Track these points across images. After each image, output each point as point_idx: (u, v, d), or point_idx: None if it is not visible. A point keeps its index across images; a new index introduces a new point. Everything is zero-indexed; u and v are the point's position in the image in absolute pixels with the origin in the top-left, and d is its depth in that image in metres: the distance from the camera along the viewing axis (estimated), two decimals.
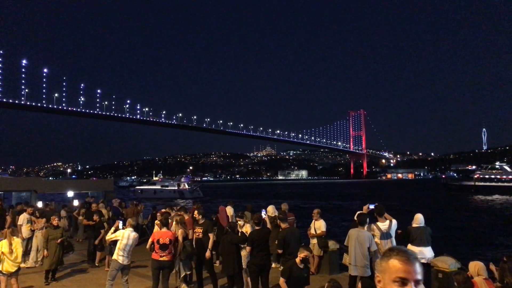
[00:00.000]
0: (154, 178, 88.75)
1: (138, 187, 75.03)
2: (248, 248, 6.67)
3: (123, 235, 7.18)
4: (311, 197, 68.42)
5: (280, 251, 6.97)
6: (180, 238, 6.93)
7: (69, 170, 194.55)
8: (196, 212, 8.65)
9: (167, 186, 67.52)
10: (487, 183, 71.78)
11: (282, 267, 7.00)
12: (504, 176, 72.16)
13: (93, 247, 10.61)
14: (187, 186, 67.73)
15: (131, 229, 7.35)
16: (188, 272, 7.10)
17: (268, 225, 7.99)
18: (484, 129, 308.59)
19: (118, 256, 7.08)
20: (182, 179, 70.58)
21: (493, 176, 73.43)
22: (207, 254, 7.59)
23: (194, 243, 7.78)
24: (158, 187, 67.49)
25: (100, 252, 10.45)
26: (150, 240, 7.34)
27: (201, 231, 7.85)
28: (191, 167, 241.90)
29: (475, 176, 76.16)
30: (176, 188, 66.44)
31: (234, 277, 6.76)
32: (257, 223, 7.09)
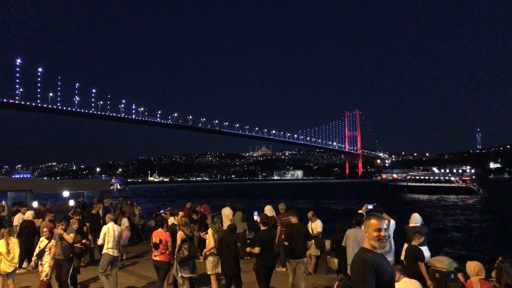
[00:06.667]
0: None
1: None
2: (257, 249, 6.47)
3: (108, 229, 7.64)
4: (309, 198, 68.71)
5: (286, 243, 6.98)
6: (178, 241, 6.91)
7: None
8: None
9: None
10: (417, 184, 77.01)
11: (288, 263, 7.00)
12: (432, 177, 76.98)
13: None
14: (118, 186, 79.38)
15: (112, 223, 7.82)
16: (187, 275, 7.06)
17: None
18: (478, 129, 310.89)
19: (108, 249, 7.52)
20: (113, 180, 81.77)
21: (422, 177, 78.65)
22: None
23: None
24: None
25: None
26: None
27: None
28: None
29: (408, 177, 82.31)
30: None
31: (232, 277, 6.75)
32: (266, 222, 6.86)
